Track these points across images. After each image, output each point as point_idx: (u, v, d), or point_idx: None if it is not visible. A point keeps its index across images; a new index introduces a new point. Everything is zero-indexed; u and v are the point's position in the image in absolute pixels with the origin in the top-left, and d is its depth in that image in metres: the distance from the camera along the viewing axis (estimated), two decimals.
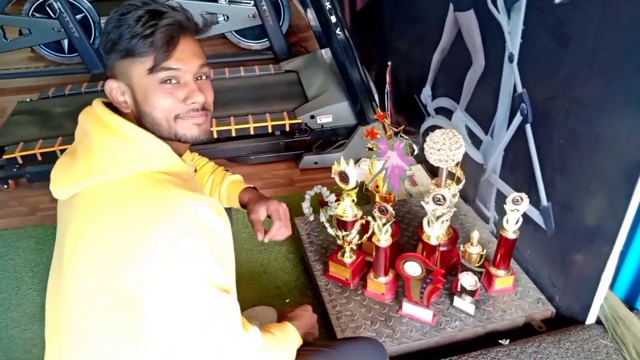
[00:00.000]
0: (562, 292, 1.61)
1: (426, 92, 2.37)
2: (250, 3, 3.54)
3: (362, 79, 2.51)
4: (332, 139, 2.63)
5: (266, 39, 3.68)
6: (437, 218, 1.50)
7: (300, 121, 2.56)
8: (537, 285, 1.69)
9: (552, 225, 1.60)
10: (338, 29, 2.36)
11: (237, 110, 2.65)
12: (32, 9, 3.52)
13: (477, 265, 1.62)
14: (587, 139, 1.42)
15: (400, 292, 1.65)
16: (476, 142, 1.98)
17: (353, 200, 1.58)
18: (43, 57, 3.83)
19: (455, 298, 1.60)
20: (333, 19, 2.34)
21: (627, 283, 1.53)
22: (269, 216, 1.31)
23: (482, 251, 1.60)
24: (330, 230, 1.64)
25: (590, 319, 1.52)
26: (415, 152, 2.59)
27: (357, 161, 2.52)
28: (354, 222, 1.60)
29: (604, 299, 1.48)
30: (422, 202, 1.50)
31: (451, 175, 1.65)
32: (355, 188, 1.56)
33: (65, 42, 3.71)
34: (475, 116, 1.99)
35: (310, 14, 2.78)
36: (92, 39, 3.61)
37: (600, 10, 1.29)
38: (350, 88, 2.53)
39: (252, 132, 2.55)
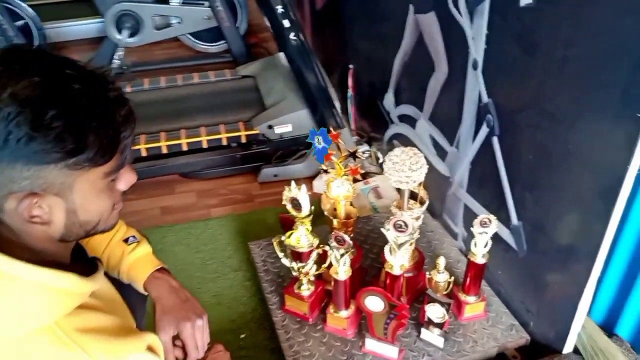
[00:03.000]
0: (536, 317, 1.49)
1: (389, 99, 2.23)
2: (204, 4, 3.34)
3: (320, 85, 2.36)
4: (293, 149, 2.47)
5: (224, 41, 3.49)
6: (400, 246, 1.36)
7: (257, 132, 2.40)
8: (510, 310, 1.57)
9: (524, 245, 1.48)
10: (292, 34, 2.20)
11: (189, 122, 2.47)
12: None
13: (445, 292, 1.49)
14: (558, 154, 1.29)
15: (363, 325, 1.51)
16: (441, 153, 1.84)
17: (308, 229, 1.43)
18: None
19: (423, 330, 1.47)
20: (286, 23, 2.18)
21: (605, 307, 1.41)
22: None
23: (450, 278, 1.47)
24: (285, 262, 1.49)
25: (568, 348, 1.40)
26: (381, 161, 2.46)
27: (319, 172, 2.38)
28: (309, 253, 1.45)
29: (581, 327, 1.36)
30: (382, 230, 1.36)
31: (414, 195, 1.51)
32: (309, 215, 1.41)
33: None
34: (439, 126, 1.85)
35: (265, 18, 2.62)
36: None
37: (570, 15, 1.16)
38: (309, 95, 2.38)
39: (205, 146, 2.37)
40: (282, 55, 2.82)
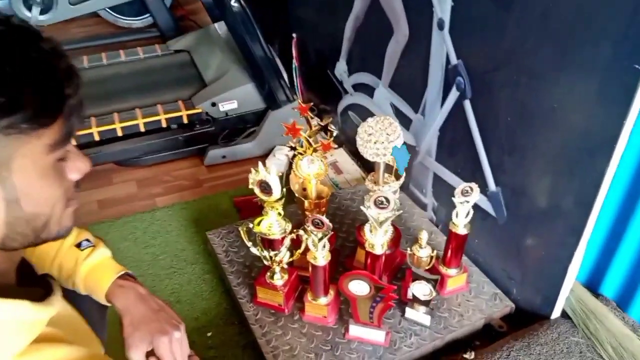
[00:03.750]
0: (519, 284, 1.45)
1: (341, 67, 2.10)
2: None
3: (266, 56, 2.19)
4: (240, 127, 2.30)
5: (148, 15, 3.21)
6: (382, 223, 1.26)
7: (199, 111, 2.20)
8: (491, 278, 1.52)
9: (504, 212, 1.42)
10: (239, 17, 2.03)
11: (121, 104, 2.23)
12: None
13: (427, 268, 1.41)
14: (542, 113, 1.23)
15: (344, 310, 1.40)
16: (405, 121, 1.75)
17: (280, 214, 1.29)
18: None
19: (407, 309, 1.39)
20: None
21: (589, 267, 1.39)
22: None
23: (433, 252, 1.39)
24: (255, 251, 1.35)
25: (556, 313, 1.37)
26: (335, 134, 2.34)
27: (270, 150, 2.23)
28: (282, 239, 1.31)
29: (569, 291, 1.32)
30: (362, 208, 1.25)
31: (388, 169, 1.40)
32: (281, 199, 1.27)
33: None
34: (402, 93, 1.75)
35: None
36: None
37: None
38: (254, 67, 2.20)
39: (142, 129, 2.15)
40: (216, 26, 2.62)
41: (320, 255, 1.27)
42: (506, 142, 1.35)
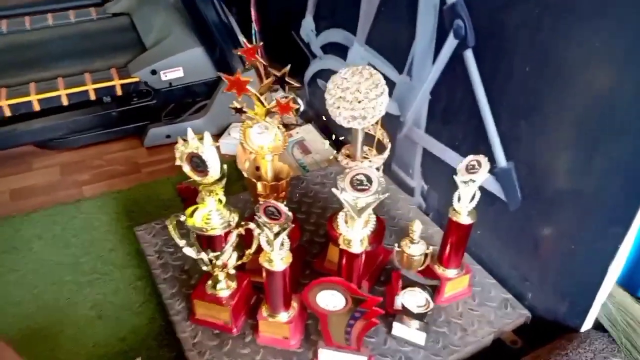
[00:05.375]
0: (537, 287, 1.13)
1: (307, 26, 1.75)
2: None
3: (220, 17, 1.82)
4: (188, 101, 1.92)
5: None
6: (360, 212, 0.91)
7: (137, 80, 1.81)
8: (499, 280, 1.20)
9: (517, 194, 1.10)
10: None
11: (40, 73, 1.83)
12: None
13: (419, 269, 1.07)
14: (574, 61, 0.90)
15: (312, 327, 1.06)
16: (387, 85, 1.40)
17: (220, 201, 0.94)
18: None
19: (396, 325, 1.05)
20: None
21: (627, 264, 1.07)
22: None
23: (428, 249, 1.06)
24: (189, 252, 0.99)
25: (587, 324, 1.05)
26: (302, 109, 1.99)
27: (225, 128, 1.86)
28: (226, 235, 0.96)
29: (607, 295, 1.01)
30: (334, 191, 0.91)
31: (368, 139, 1.06)
32: (221, 180, 0.91)
33: None
34: (382, 50, 1.42)
35: None
36: None
37: None
38: (205, 30, 1.83)
39: (65, 103, 1.75)
40: None
41: (277, 257, 0.93)
42: (523, 101, 1.02)
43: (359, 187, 0.91)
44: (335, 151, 1.72)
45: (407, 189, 1.46)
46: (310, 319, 1.08)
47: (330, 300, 0.91)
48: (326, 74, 1.73)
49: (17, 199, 1.68)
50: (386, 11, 1.35)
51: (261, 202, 0.88)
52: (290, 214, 0.88)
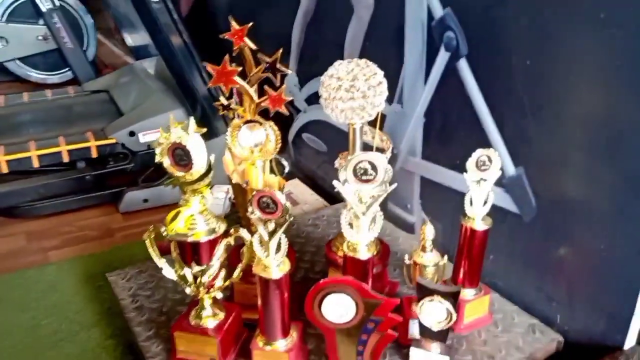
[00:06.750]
0: (566, 307, 1.00)
1: (290, 81, 1.73)
2: (38, 22, 2.68)
3: (205, 82, 1.81)
4: None
5: (67, 69, 2.81)
6: (368, 208, 0.81)
7: (113, 141, 1.74)
8: (520, 305, 1.06)
9: (532, 202, 1.01)
10: (172, 34, 1.71)
11: (11, 139, 1.74)
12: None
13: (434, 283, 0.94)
14: (581, 43, 0.87)
15: (315, 352, 0.90)
16: None
17: (204, 202, 0.83)
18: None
19: (413, 351, 0.90)
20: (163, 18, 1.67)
21: None
22: None
23: (443, 259, 0.94)
24: (168, 273, 0.85)
25: (630, 339, 0.91)
26: (286, 170, 1.92)
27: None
28: (213, 244, 0.83)
29: None
30: (334, 183, 0.81)
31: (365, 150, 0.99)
32: (207, 175, 0.81)
33: None
34: None
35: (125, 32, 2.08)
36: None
37: None
38: (188, 94, 1.81)
39: (35, 165, 1.65)
40: (139, 62, 2.25)
41: (274, 263, 0.79)
42: (528, 99, 0.97)
43: (364, 177, 0.81)
44: (324, 202, 1.63)
45: (406, 226, 1.35)
46: (312, 342, 0.92)
47: (337, 310, 0.77)
48: (312, 127, 1.69)
49: None
50: (371, 44, 1.34)
51: (254, 193, 0.77)
52: (288, 204, 0.77)
